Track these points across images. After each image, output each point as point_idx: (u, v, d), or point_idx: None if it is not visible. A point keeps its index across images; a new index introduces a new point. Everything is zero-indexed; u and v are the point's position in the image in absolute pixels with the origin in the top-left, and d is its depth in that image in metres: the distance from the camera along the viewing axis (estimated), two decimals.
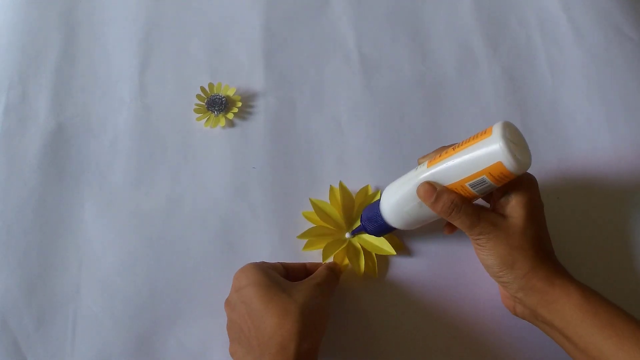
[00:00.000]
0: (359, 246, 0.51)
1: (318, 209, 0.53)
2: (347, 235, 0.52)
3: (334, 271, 0.48)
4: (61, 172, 0.55)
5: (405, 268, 0.52)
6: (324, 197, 0.54)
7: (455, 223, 0.43)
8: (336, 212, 0.53)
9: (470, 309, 0.50)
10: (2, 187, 0.54)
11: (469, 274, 0.51)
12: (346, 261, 0.51)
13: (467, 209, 0.42)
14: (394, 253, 0.51)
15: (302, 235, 0.52)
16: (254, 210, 0.54)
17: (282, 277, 0.45)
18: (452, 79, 0.60)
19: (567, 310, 0.40)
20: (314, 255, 0.52)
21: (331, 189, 0.54)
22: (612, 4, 0.63)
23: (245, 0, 0.64)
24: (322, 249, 0.51)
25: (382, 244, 0.51)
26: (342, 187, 0.53)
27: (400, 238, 0.52)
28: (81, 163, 0.56)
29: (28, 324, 0.49)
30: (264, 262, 0.47)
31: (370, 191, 0.54)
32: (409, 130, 0.57)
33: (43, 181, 0.55)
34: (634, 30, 0.61)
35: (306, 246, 0.52)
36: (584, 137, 0.57)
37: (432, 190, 0.42)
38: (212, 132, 0.57)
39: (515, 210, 0.42)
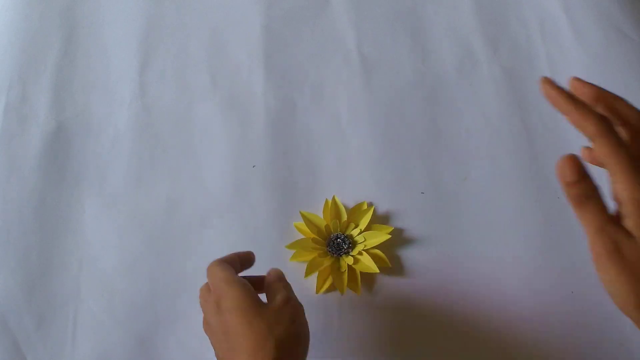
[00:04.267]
0: (344, 264, 0.51)
1: (308, 221, 0.52)
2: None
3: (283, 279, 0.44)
4: (61, 172, 0.55)
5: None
6: (323, 197, 0.54)
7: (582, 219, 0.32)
8: (328, 225, 0.52)
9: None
10: (2, 187, 0.55)
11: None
12: (330, 281, 0.50)
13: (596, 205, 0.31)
14: (377, 271, 0.50)
15: (290, 246, 0.52)
16: (254, 209, 0.54)
17: (259, 299, 0.41)
18: (452, 79, 0.60)
19: None
20: (301, 267, 0.51)
21: (326, 202, 0.53)
22: (612, 4, 0.63)
23: (245, 0, 0.64)
24: (307, 262, 0.51)
25: (367, 262, 0.50)
26: (335, 202, 0.53)
27: (390, 256, 0.52)
28: (81, 163, 0.56)
29: (28, 324, 0.49)
30: (237, 275, 0.43)
31: (365, 207, 0.53)
32: (409, 129, 0.57)
33: (43, 181, 0.55)
34: (634, 30, 0.61)
35: (293, 257, 0.51)
36: (584, 137, 0.57)
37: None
38: (212, 131, 0.57)
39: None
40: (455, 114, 0.58)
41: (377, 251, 0.51)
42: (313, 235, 0.52)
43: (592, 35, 0.61)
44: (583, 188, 0.31)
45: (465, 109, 0.58)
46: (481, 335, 0.49)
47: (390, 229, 0.52)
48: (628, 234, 0.31)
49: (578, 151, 0.56)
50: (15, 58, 0.61)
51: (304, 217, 0.53)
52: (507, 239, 0.53)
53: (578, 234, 0.53)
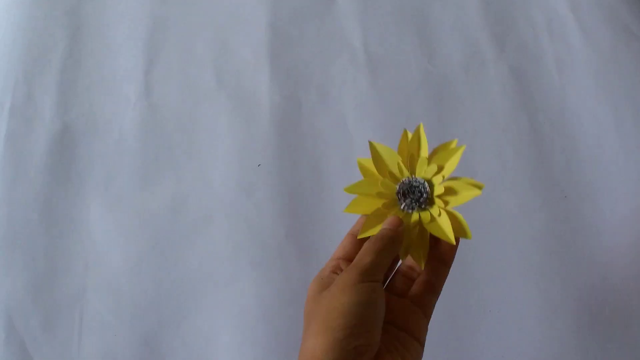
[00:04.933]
0: (418, 219, 0.37)
1: (378, 156, 0.38)
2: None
3: (388, 237, 0.35)
4: (67, 173, 0.56)
5: None
6: (328, 196, 0.53)
7: None
8: (401, 165, 0.38)
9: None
10: (9, 187, 0.55)
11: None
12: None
13: None
14: (454, 243, 0.36)
15: (350, 189, 0.38)
16: (259, 208, 0.54)
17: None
18: (458, 78, 0.59)
19: None
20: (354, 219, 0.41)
21: (404, 134, 0.38)
22: (620, 3, 0.62)
23: None
24: (366, 216, 0.38)
25: (445, 226, 0.36)
26: (418, 134, 0.38)
27: None
28: (87, 163, 0.56)
29: (35, 325, 0.50)
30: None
31: (453, 145, 0.38)
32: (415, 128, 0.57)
33: (49, 182, 0.55)
34: None
35: (349, 207, 0.38)
36: (591, 136, 0.57)
37: None
38: (218, 130, 0.57)
39: None
40: (461, 113, 0.58)
41: (457, 214, 0.36)
42: (382, 177, 0.38)
43: (599, 35, 0.61)
44: None
45: (472, 108, 0.58)
46: (486, 333, 0.49)
47: (482, 185, 0.36)
48: None
49: (585, 149, 0.56)
50: (21, 58, 0.61)
51: (373, 149, 0.38)
52: (514, 237, 0.52)
53: (584, 233, 0.53)
